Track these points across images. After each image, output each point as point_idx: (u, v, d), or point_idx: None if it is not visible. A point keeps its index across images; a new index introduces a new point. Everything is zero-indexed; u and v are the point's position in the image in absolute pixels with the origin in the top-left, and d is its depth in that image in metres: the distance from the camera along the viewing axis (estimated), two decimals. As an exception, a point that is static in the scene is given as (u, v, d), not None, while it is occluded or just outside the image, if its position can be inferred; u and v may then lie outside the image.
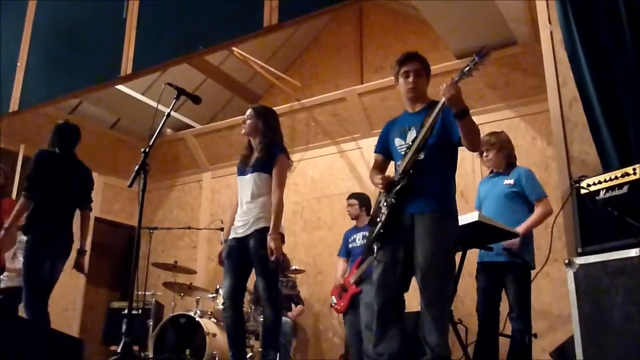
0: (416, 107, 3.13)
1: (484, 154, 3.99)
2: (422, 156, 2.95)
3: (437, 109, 2.90)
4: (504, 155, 3.96)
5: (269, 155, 3.78)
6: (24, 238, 4.18)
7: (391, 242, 2.99)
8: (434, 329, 2.77)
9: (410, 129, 3.06)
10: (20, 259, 4.30)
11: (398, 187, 2.95)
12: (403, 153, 3.04)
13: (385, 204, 3.01)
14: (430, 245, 2.84)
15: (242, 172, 3.89)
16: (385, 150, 3.26)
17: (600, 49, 2.83)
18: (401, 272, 2.95)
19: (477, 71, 2.89)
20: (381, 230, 2.98)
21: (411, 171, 2.93)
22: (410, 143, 3.00)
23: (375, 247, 3.05)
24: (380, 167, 3.26)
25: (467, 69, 2.86)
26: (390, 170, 3.21)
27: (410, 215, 2.93)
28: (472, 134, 2.87)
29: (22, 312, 4.11)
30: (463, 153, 6.13)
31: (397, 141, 3.12)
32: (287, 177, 3.87)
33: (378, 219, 3.03)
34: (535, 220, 3.75)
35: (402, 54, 3.22)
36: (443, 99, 2.81)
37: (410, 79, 3.10)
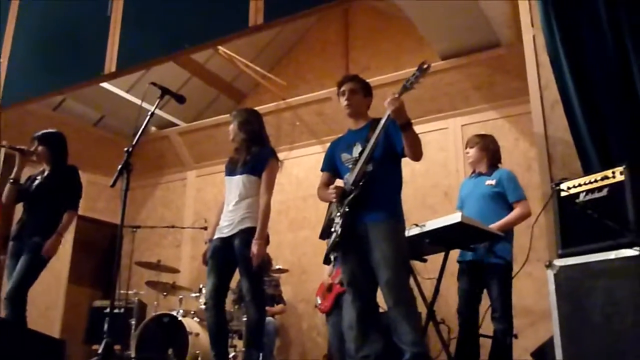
0: (359, 124, 3.34)
1: (466, 149, 4.11)
2: (370, 168, 3.08)
3: (383, 121, 3.02)
4: (485, 154, 4.01)
5: (259, 158, 3.80)
6: None
7: (351, 251, 3.12)
8: (407, 329, 2.86)
9: (355, 144, 3.24)
10: None
11: (351, 197, 3.06)
12: (350, 166, 3.18)
13: (338, 213, 3.12)
14: (388, 249, 2.98)
15: (230, 172, 3.89)
16: (331, 168, 3.43)
17: (582, 52, 2.86)
18: (370, 277, 3.05)
19: (419, 84, 3.00)
20: (337, 239, 3.07)
21: (362, 182, 3.05)
22: (358, 156, 3.14)
23: (332, 257, 3.21)
24: (327, 185, 3.40)
25: (408, 83, 3.00)
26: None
27: (364, 225, 3.05)
28: (414, 144, 3.03)
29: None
30: (447, 153, 6.09)
31: (344, 156, 3.28)
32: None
33: (332, 229, 3.13)
34: (510, 220, 3.78)
35: None
36: (388, 112, 2.94)
37: (345, 97, 3.30)
